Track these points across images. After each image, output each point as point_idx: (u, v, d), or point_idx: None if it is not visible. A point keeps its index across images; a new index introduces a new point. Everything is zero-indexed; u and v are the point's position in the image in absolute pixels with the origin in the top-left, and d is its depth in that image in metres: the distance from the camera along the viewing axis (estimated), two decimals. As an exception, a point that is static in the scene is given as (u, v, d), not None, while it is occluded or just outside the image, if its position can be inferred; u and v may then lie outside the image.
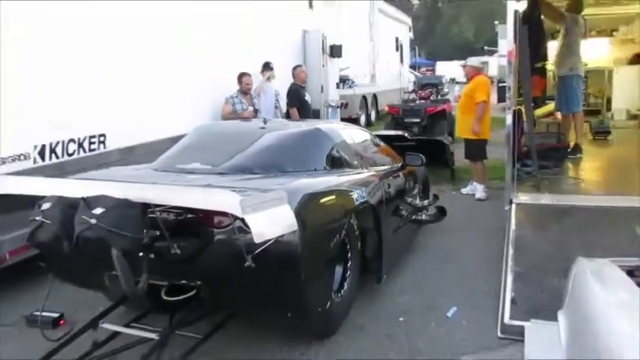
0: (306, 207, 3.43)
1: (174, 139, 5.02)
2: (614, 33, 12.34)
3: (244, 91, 8.18)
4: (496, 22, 27.42)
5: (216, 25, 7.92)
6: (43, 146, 5.01)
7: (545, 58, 8.47)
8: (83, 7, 5.44)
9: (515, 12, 5.89)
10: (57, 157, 5.14)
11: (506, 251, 4.82)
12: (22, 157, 4.81)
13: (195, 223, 3.23)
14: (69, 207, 3.19)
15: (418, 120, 11.89)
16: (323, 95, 11.27)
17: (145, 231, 3.06)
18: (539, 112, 8.84)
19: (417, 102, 13.23)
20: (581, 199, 6.02)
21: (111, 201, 3.07)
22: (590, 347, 2.14)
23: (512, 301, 4.13)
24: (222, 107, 7.95)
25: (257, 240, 2.82)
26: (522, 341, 3.68)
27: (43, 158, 5.00)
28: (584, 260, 2.84)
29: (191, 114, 6.92)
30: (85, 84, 5.43)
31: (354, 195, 4.14)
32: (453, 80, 19.85)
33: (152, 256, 3.13)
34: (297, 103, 9.23)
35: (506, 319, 3.99)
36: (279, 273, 3.22)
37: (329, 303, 3.85)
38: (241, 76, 8.16)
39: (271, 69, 8.82)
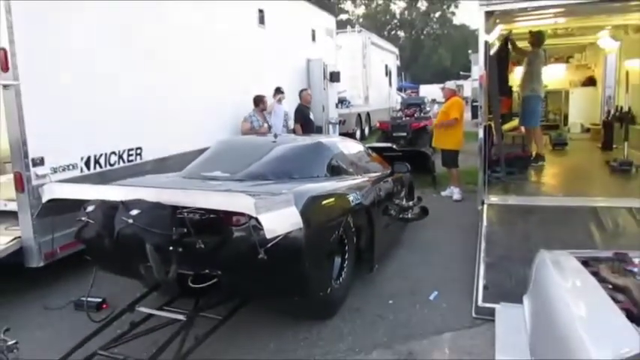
0: (310, 208, 3.42)
1: (200, 152, 5.02)
2: (569, 59, 12.33)
3: (263, 110, 8.19)
4: (470, 52, 27.42)
5: (237, 54, 7.94)
6: (89, 157, 5.01)
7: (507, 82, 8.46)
8: (122, 43, 5.47)
9: (486, 42, 5.87)
10: (100, 167, 5.13)
11: (479, 244, 4.79)
12: (70, 167, 4.81)
13: (216, 222, 3.22)
14: (110, 209, 3.19)
15: (404, 134, 11.87)
16: (324, 114, 11.27)
17: (174, 229, 3.06)
18: (506, 126, 8.82)
19: (404, 119, 13.20)
20: (543, 199, 6.00)
21: (145, 204, 3.07)
22: (550, 325, 2.13)
23: (485, 287, 4.11)
24: (242, 124, 7.89)
25: (268, 236, 2.82)
26: (493, 321, 3.66)
27: (88, 168, 5.00)
28: (546, 252, 2.82)
29: (214, 130, 6.88)
30: (125, 105, 5.43)
31: (351, 197, 4.13)
32: (433, 101, 19.77)
33: (180, 249, 3.12)
34: (303, 120, 9.23)
35: (480, 302, 3.98)
36: (287, 263, 3.20)
37: (329, 289, 3.83)
38: (263, 97, 8.18)
39: (282, 92, 8.81)
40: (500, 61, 7.27)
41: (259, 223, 2.83)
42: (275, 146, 4.63)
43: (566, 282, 2.34)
